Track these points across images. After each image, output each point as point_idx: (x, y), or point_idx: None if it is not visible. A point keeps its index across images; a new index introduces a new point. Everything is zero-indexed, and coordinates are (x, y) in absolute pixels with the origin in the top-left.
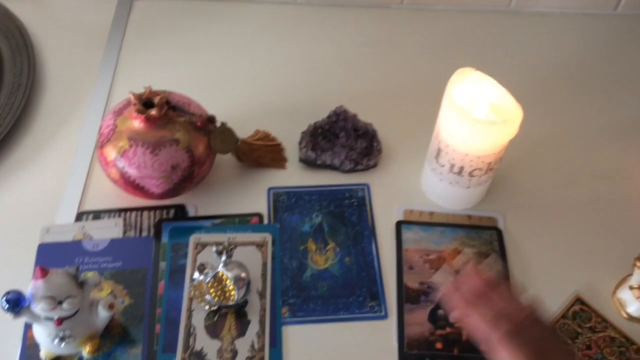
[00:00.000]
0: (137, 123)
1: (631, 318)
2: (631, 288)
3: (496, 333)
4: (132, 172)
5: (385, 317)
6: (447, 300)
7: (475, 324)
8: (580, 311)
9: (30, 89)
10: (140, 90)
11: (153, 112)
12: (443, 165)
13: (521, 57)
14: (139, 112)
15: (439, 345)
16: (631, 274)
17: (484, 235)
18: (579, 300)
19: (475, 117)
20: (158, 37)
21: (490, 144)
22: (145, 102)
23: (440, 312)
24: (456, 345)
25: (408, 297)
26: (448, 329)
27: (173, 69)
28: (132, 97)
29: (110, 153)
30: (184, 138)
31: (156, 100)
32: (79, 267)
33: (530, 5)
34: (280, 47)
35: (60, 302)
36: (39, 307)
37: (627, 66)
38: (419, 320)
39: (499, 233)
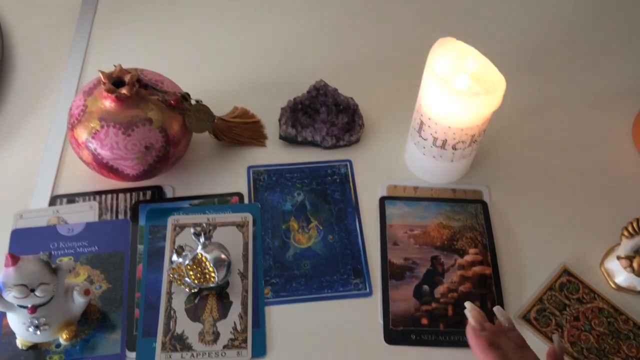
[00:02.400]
0: (107, 103)
1: (619, 288)
2: (619, 258)
3: None
4: (104, 153)
5: (370, 294)
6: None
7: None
8: (568, 282)
9: None
10: (110, 68)
11: (124, 91)
12: (426, 139)
13: (504, 26)
14: (109, 91)
15: (424, 321)
16: (619, 244)
17: (469, 209)
18: (566, 272)
19: (458, 88)
20: (131, 13)
21: (474, 115)
22: (116, 81)
23: (425, 287)
24: (442, 320)
25: (393, 273)
26: (433, 305)
27: (147, 47)
28: (101, 76)
29: (82, 134)
30: (157, 117)
31: (127, 78)
32: (52, 253)
33: None
34: (257, 21)
35: (32, 290)
36: (10, 296)
37: (612, 34)
38: (404, 297)
39: (484, 206)
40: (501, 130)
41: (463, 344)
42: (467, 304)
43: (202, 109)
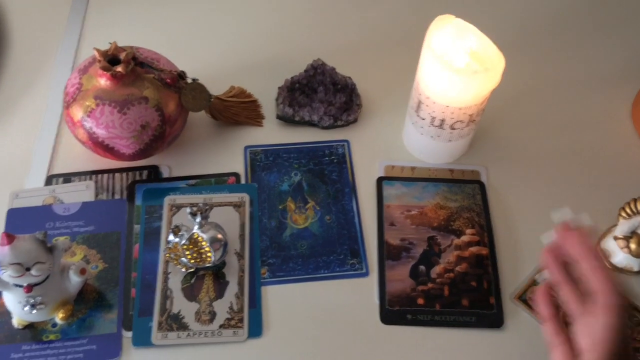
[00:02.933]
0: (103, 81)
1: (616, 269)
2: (616, 238)
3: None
4: (100, 132)
5: (366, 274)
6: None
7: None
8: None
9: None
10: (106, 46)
11: (119, 68)
12: (424, 119)
13: (503, 5)
14: (104, 69)
15: (420, 301)
16: (616, 225)
17: (466, 189)
18: None
19: (456, 66)
20: None
21: (472, 94)
22: (111, 59)
23: (422, 267)
24: (438, 300)
25: (389, 253)
26: (430, 285)
27: (143, 24)
28: (96, 54)
29: (77, 113)
30: (153, 96)
31: (122, 56)
32: (47, 232)
33: None
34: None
35: (28, 269)
36: (6, 274)
37: (611, 14)
38: (400, 277)
39: (482, 186)
40: (500, 110)
41: (459, 324)
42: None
43: (198, 88)
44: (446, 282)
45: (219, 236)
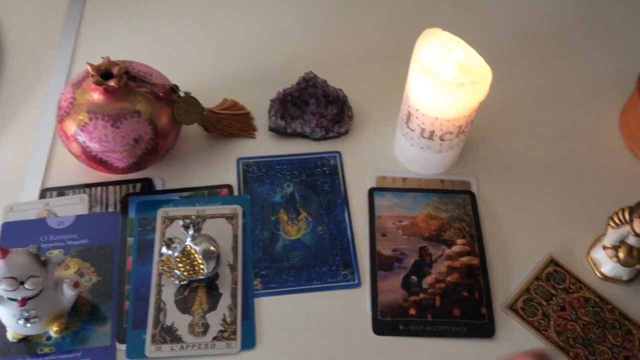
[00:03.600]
0: (96, 95)
1: (605, 278)
2: (605, 248)
3: None
4: (93, 146)
5: (358, 285)
6: None
7: None
8: (554, 272)
9: None
10: (99, 60)
11: (112, 83)
12: (414, 130)
13: (490, 16)
14: (97, 83)
15: (412, 312)
16: (605, 234)
17: (457, 200)
18: (552, 262)
19: (444, 79)
20: (120, 5)
21: (460, 106)
22: (104, 74)
23: (413, 278)
24: (430, 311)
25: (381, 264)
26: (421, 295)
27: (136, 38)
28: (89, 69)
29: (70, 127)
30: (145, 109)
31: (115, 70)
32: (40, 245)
33: None
34: (245, 13)
35: (22, 282)
36: (0, 288)
37: (600, 23)
38: (392, 287)
39: (472, 197)
40: (489, 121)
41: (450, 334)
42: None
43: (190, 101)
44: (438, 293)
45: (212, 248)
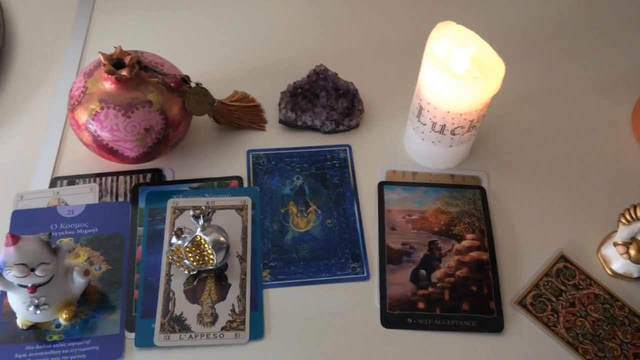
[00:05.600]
0: (107, 84)
1: (615, 275)
2: (615, 244)
3: None
4: (104, 135)
5: (367, 278)
6: None
7: None
8: (564, 268)
9: (0, 52)
10: (111, 50)
11: (124, 72)
12: (425, 124)
13: (504, 10)
14: (109, 73)
15: (421, 305)
16: (616, 231)
17: (467, 195)
18: (562, 258)
19: (457, 72)
20: None
21: (472, 100)
22: (116, 63)
23: (422, 272)
24: (438, 305)
25: (390, 257)
26: (430, 289)
27: (147, 29)
28: (101, 58)
29: (82, 116)
30: (157, 99)
31: (127, 60)
32: (51, 233)
33: None
34: (257, 5)
35: (32, 269)
36: (11, 275)
37: (614, 19)
38: (401, 281)
39: (483, 192)
40: (501, 116)
41: (459, 328)
42: None
43: (201, 92)
44: (447, 287)
45: (221, 239)
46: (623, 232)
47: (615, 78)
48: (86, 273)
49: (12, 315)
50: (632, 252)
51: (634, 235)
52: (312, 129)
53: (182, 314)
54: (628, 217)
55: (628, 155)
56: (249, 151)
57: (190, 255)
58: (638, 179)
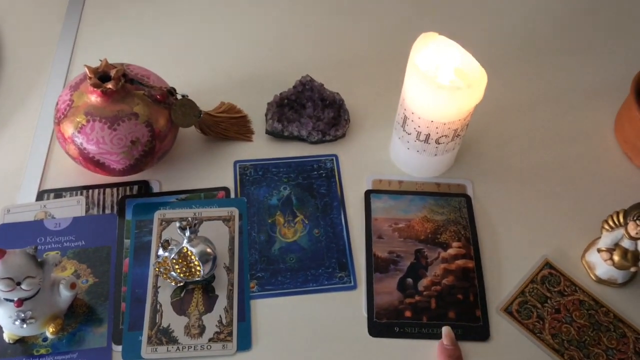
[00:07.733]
0: (93, 97)
1: (600, 280)
2: (599, 251)
3: None
4: (90, 148)
5: (354, 287)
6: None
7: None
8: (549, 275)
9: None
10: (97, 63)
11: (109, 85)
12: (409, 134)
13: (487, 21)
14: (95, 85)
15: (408, 314)
16: (599, 237)
17: (452, 203)
18: (547, 264)
19: (440, 82)
20: (118, 8)
21: (456, 109)
22: (102, 76)
23: (409, 280)
24: (425, 313)
25: (377, 266)
26: (417, 297)
27: (134, 41)
28: (87, 71)
29: (68, 129)
30: (143, 112)
31: (113, 73)
32: (38, 246)
33: None
34: (244, 16)
35: (19, 283)
36: None
37: (595, 28)
38: (388, 290)
39: (468, 200)
40: (485, 125)
41: None
42: (445, 329)
43: (188, 104)
44: (433, 295)
45: (208, 250)
46: (607, 239)
47: (597, 86)
48: (73, 286)
49: None
50: (616, 258)
51: (617, 241)
52: (299, 139)
53: (169, 325)
54: (611, 223)
55: (611, 162)
56: (235, 162)
57: (177, 267)
58: (621, 185)
